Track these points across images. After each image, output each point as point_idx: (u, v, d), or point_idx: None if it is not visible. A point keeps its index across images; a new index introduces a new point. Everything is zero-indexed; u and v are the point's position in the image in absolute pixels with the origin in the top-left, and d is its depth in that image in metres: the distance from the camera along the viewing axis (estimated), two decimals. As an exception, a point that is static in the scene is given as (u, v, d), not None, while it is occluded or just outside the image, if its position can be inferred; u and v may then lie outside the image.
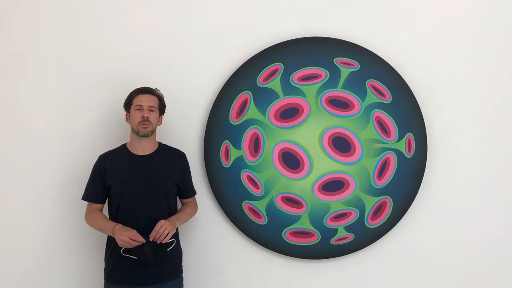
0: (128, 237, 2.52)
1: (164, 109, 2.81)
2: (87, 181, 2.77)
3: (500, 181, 3.02)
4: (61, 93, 3.02)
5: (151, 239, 2.55)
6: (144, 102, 2.70)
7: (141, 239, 2.54)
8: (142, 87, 2.76)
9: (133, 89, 2.77)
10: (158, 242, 2.56)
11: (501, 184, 3.02)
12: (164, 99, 2.80)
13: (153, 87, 2.78)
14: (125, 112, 2.78)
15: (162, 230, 2.55)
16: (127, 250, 2.59)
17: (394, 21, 3.04)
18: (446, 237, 3.02)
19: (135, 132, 2.71)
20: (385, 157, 2.94)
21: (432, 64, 3.02)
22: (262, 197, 2.95)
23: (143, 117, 2.67)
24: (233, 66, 3.02)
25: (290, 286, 3.04)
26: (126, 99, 2.76)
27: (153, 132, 2.74)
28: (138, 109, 2.69)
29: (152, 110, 2.71)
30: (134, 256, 2.57)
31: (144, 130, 2.68)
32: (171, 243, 2.64)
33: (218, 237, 3.03)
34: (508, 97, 3.03)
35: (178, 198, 2.84)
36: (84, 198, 2.75)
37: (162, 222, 2.58)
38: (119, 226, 2.60)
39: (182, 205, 2.86)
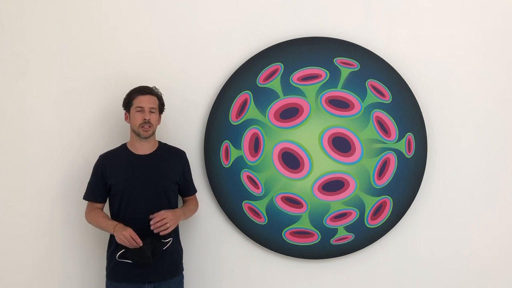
0: (129, 234, 2.53)
1: (163, 108, 2.81)
2: (87, 180, 2.78)
3: (500, 180, 3.02)
4: (62, 93, 3.02)
5: (152, 227, 2.55)
6: (145, 104, 2.70)
7: (139, 241, 2.54)
8: (141, 87, 2.75)
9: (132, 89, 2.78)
10: (159, 231, 2.56)
11: (501, 184, 3.02)
12: (164, 99, 2.80)
13: (148, 85, 2.77)
14: (124, 112, 2.78)
15: (164, 222, 2.57)
16: (122, 255, 2.60)
17: (394, 21, 3.03)
18: (446, 237, 3.02)
19: (136, 134, 2.71)
20: (385, 157, 2.94)
21: (432, 64, 3.02)
22: (262, 197, 2.95)
23: (145, 119, 2.68)
24: (233, 66, 3.02)
25: (290, 286, 3.04)
26: (125, 99, 2.76)
27: (153, 133, 2.74)
28: (139, 111, 2.69)
29: (152, 112, 2.71)
30: (129, 259, 2.58)
31: (145, 133, 2.69)
32: (167, 242, 2.64)
33: (218, 237, 3.03)
34: (507, 96, 3.03)
35: (179, 196, 2.85)
36: (85, 197, 2.76)
37: (166, 214, 2.58)
38: (120, 225, 2.61)
39: (184, 202, 2.87)
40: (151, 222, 2.57)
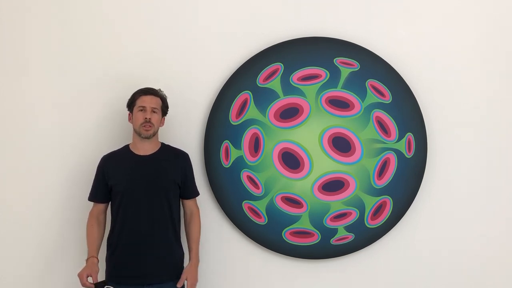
0: (85, 274, 2.56)
1: (167, 110, 2.81)
2: (89, 181, 2.80)
3: (500, 180, 3.02)
4: (63, 93, 3.03)
5: None
6: (147, 103, 2.70)
7: (89, 285, 2.56)
8: (145, 88, 2.76)
9: (135, 89, 2.78)
10: None
11: (501, 184, 3.02)
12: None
13: (153, 87, 2.79)
14: (127, 112, 2.79)
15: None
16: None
17: (394, 21, 3.04)
18: (446, 236, 3.01)
19: (137, 133, 2.72)
20: (385, 157, 2.94)
21: (432, 64, 3.02)
22: (262, 197, 2.95)
23: (146, 118, 2.68)
24: (233, 66, 3.02)
25: (290, 286, 3.04)
26: (129, 99, 2.77)
27: (155, 133, 2.74)
28: (141, 110, 2.70)
29: (154, 112, 2.72)
30: None
31: (146, 132, 2.69)
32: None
33: (218, 237, 3.02)
34: (508, 97, 3.03)
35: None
36: (89, 198, 2.78)
37: (192, 280, 2.71)
38: (90, 262, 2.63)
39: (184, 206, 2.84)
40: None
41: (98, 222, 2.75)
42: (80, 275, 2.57)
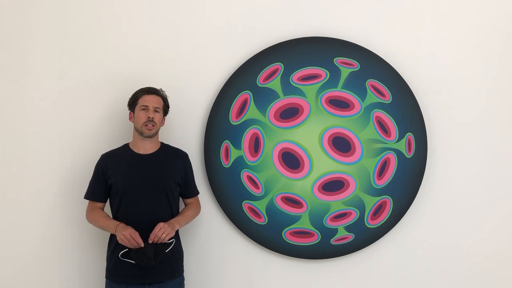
0: (129, 234, 2.53)
1: (168, 110, 2.82)
2: (88, 180, 2.79)
3: (499, 180, 3.02)
4: (63, 93, 3.02)
5: (150, 242, 2.55)
6: (150, 103, 2.71)
7: (140, 241, 2.54)
8: (147, 87, 2.77)
9: (136, 89, 2.79)
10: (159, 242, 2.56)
11: (501, 184, 3.02)
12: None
13: (154, 87, 2.79)
14: (128, 111, 2.79)
15: (160, 233, 2.56)
16: (125, 254, 2.59)
17: (394, 21, 3.04)
18: (446, 237, 3.02)
19: (139, 132, 2.72)
20: (385, 157, 2.94)
21: (432, 64, 3.03)
22: (262, 197, 2.95)
23: (149, 117, 2.69)
24: (233, 66, 3.02)
25: (290, 286, 3.04)
26: (130, 98, 2.77)
27: (156, 133, 2.75)
28: (143, 109, 2.71)
29: (157, 111, 2.73)
30: (132, 260, 2.57)
31: (148, 131, 2.70)
32: (170, 244, 2.64)
33: (218, 237, 3.03)
34: (508, 97, 3.03)
35: (181, 198, 2.85)
36: (86, 196, 2.77)
37: (161, 225, 2.58)
38: (122, 225, 2.61)
39: (185, 205, 2.87)
40: (150, 237, 2.55)
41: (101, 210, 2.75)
42: (131, 234, 2.51)
